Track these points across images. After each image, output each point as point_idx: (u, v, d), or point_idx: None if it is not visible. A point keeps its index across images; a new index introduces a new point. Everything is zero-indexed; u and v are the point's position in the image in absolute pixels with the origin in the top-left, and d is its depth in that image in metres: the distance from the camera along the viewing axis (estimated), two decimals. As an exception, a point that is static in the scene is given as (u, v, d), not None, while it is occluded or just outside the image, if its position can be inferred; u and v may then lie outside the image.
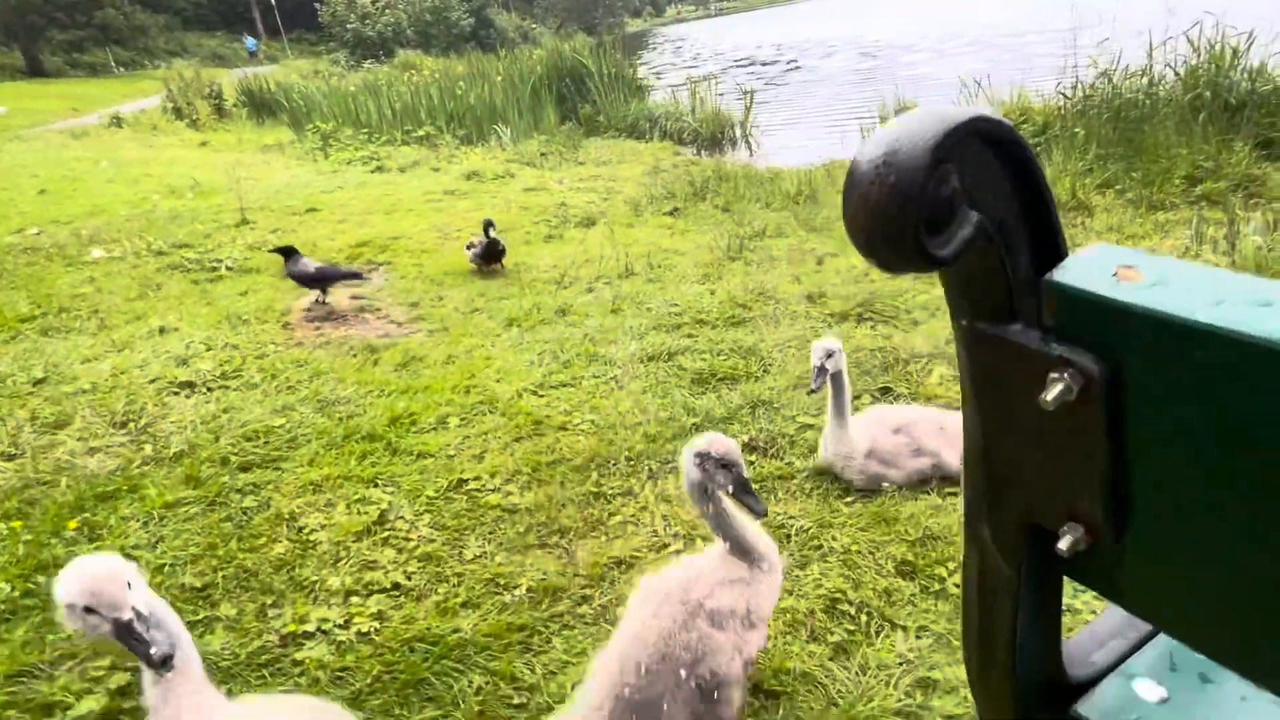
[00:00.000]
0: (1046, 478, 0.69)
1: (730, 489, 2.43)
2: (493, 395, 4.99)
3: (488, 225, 7.77)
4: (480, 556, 3.59)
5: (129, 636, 1.86)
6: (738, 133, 16.29)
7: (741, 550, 2.49)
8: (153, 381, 5.48)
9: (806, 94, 20.96)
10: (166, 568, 3.57)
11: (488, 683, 2.94)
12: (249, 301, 7.30)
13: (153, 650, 1.84)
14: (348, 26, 38.36)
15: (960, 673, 2.77)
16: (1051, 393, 0.61)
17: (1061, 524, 0.69)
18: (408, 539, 3.72)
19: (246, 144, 19.32)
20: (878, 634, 2.99)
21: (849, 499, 3.79)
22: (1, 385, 5.52)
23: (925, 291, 6.20)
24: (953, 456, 3.79)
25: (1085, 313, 0.63)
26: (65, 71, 41.41)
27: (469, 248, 7.92)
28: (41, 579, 3.45)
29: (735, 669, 2.40)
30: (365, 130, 17.06)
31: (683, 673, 2.30)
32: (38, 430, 4.85)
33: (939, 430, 3.79)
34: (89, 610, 1.85)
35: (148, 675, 1.96)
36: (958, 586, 3.17)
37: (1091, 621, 0.95)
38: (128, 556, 2.26)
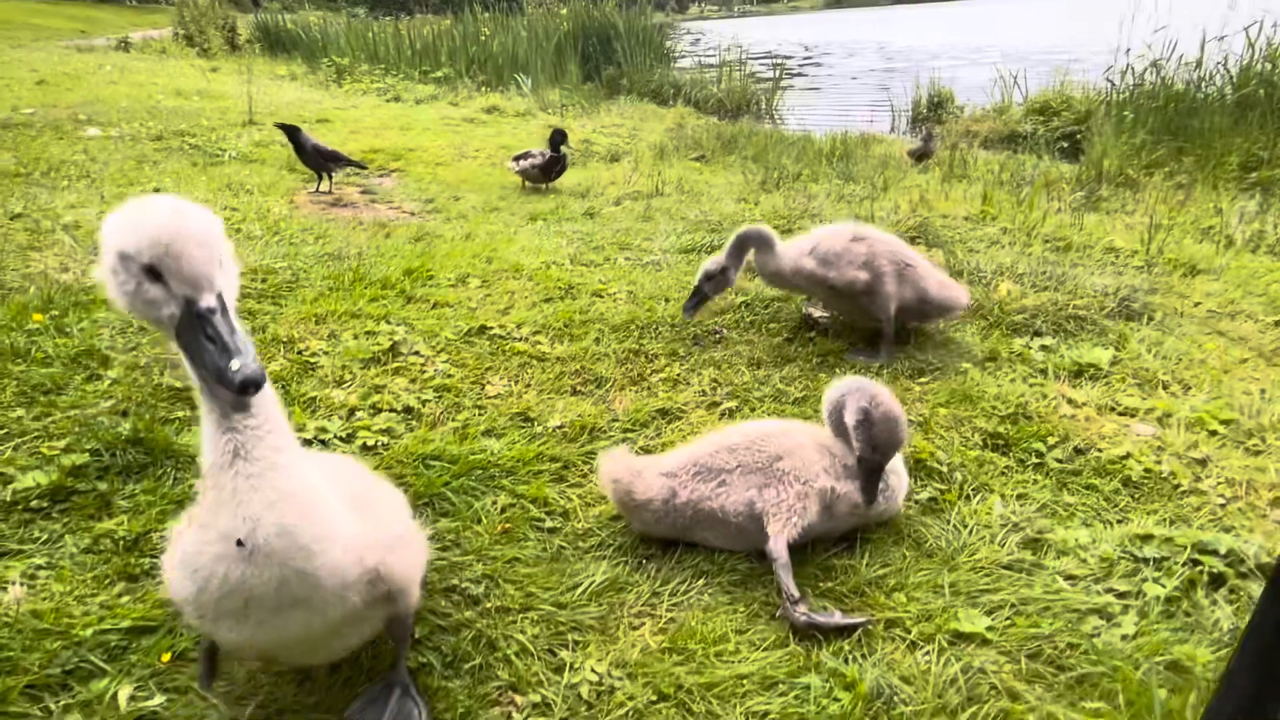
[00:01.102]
0: None
1: (859, 457, 2.27)
2: (517, 264, 4.53)
3: (558, 137, 6.91)
4: (506, 395, 3.14)
5: (203, 332, 1.20)
6: (763, 106, 15.88)
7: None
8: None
9: (830, 85, 20.64)
10: (140, 365, 3.08)
11: (514, 503, 2.49)
12: (251, 178, 6.79)
13: (234, 365, 1.19)
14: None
15: (1075, 535, 2.36)
16: None
17: None
18: (423, 371, 3.26)
19: (258, 73, 18.71)
20: (974, 495, 2.57)
21: (923, 378, 3.37)
22: (-27, 214, 4.99)
23: (977, 228, 5.82)
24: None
25: None
26: (75, -3, 40.40)
27: (521, 158, 7.10)
28: (-4, 363, 2.96)
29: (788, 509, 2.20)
30: (382, 65, 16.52)
31: (752, 461, 2.30)
32: (11, 251, 4.32)
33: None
34: (152, 273, 1.22)
35: (210, 420, 1.31)
36: (1059, 461, 2.76)
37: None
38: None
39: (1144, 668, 1.86)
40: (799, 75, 22.94)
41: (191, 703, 1.75)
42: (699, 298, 3.55)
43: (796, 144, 10.70)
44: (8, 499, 2.30)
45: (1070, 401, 3.16)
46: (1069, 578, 2.21)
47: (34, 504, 2.30)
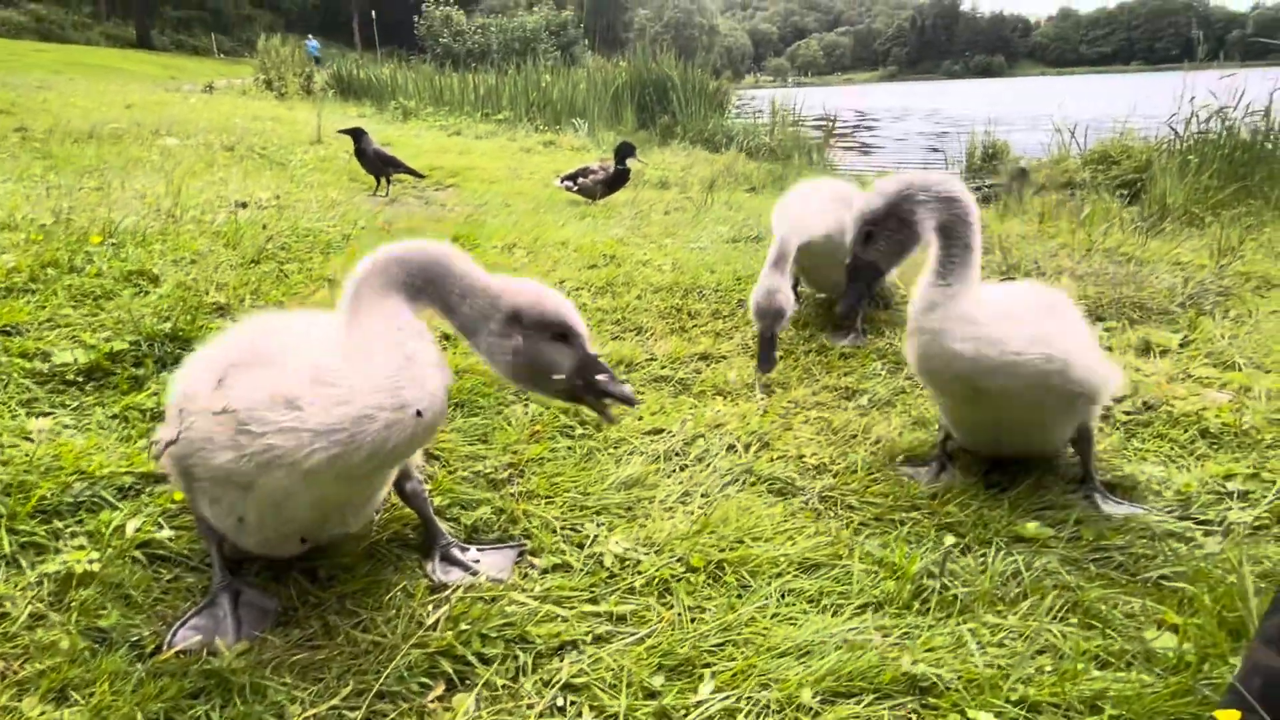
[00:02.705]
0: None
1: None
2: (563, 239, 4.54)
3: (626, 150, 6.71)
4: (543, 333, 3.09)
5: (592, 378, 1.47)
6: (814, 156, 16.01)
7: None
8: (206, 200, 5.14)
9: (882, 142, 20.79)
10: (191, 283, 3.12)
11: (546, 412, 2.40)
12: (313, 176, 7.03)
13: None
14: (440, 40, 39.75)
15: (1149, 470, 2.16)
16: None
17: None
18: (463, 309, 3.24)
19: (329, 112, 19.70)
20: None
21: (977, 343, 3.22)
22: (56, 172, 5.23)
23: (1035, 244, 5.66)
24: None
25: None
26: (170, 49, 43.46)
27: (579, 175, 6.77)
28: (52, 272, 3.02)
29: None
30: (447, 107, 17.21)
31: None
32: (78, 206, 4.49)
33: None
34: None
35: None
36: (1127, 414, 2.57)
37: None
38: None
39: (1232, 576, 1.66)
40: (851, 136, 23.18)
41: (197, 539, 1.68)
42: (769, 343, 2.80)
43: (850, 181, 10.69)
44: (45, 370, 2.30)
45: (1138, 370, 2.97)
46: (1142, 504, 2.02)
47: (70, 377, 2.30)
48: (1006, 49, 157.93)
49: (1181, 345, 3.30)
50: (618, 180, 6.78)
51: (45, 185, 4.87)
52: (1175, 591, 1.63)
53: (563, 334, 1.44)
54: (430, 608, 1.56)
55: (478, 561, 1.69)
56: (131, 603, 1.51)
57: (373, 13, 48.40)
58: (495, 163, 9.89)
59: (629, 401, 1.48)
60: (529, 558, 1.73)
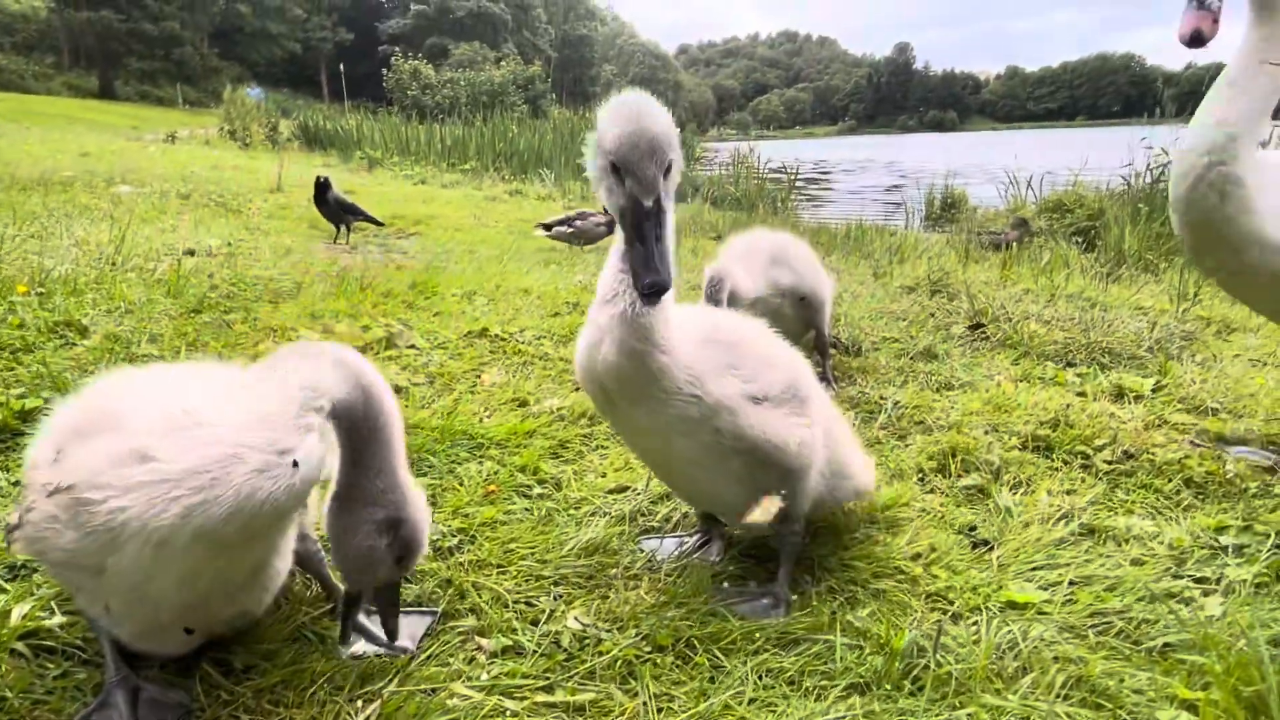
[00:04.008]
0: None
1: None
2: (526, 287, 4.41)
3: None
4: (503, 384, 2.93)
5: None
6: (778, 204, 16.24)
7: None
8: (151, 249, 4.93)
9: (843, 193, 21.21)
10: (123, 334, 2.91)
11: (502, 469, 2.23)
12: (270, 223, 6.85)
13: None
14: (408, 93, 40.05)
15: (1138, 524, 2.06)
16: None
17: None
18: (416, 360, 3.06)
19: (291, 161, 19.57)
20: (1017, 487, 2.29)
21: (951, 390, 3.13)
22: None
23: (999, 289, 5.69)
24: None
25: None
26: (134, 100, 43.16)
27: (580, 219, 6.70)
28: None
29: None
30: (413, 157, 17.20)
31: None
32: (14, 253, 4.26)
33: None
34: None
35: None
36: (1108, 462, 2.48)
37: None
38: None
39: (1241, 642, 1.54)
40: (813, 185, 23.63)
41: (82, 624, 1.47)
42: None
43: (812, 229, 10.81)
44: (-62, 429, 2.08)
45: (1113, 416, 2.90)
46: (1135, 561, 1.90)
47: (-33, 430, 2.08)
48: (958, 105, 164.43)
49: (1154, 390, 3.25)
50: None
51: (-22, 232, 4.63)
52: (1183, 662, 1.50)
53: (402, 559, 1.37)
54: (360, 703, 1.36)
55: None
56: (4, 707, 1.30)
57: (340, 65, 48.80)
58: (460, 211, 9.80)
59: (386, 640, 1.47)
60: (477, 639, 1.55)
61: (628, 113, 1.41)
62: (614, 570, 1.81)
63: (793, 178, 16.92)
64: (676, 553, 1.88)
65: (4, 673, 1.34)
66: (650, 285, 1.36)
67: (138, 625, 1.30)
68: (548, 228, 6.81)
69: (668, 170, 1.43)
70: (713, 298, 2.64)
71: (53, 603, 1.52)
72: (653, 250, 1.37)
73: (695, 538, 1.95)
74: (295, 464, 1.16)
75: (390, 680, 1.42)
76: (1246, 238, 2.21)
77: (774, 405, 1.64)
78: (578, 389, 2.98)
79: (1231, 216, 2.20)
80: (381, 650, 1.51)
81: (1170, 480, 2.36)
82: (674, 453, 1.62)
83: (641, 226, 1.38)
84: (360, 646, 1.52)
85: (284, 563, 1.46)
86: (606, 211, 6.64)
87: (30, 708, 1.31)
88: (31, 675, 1.37)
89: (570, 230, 6.71)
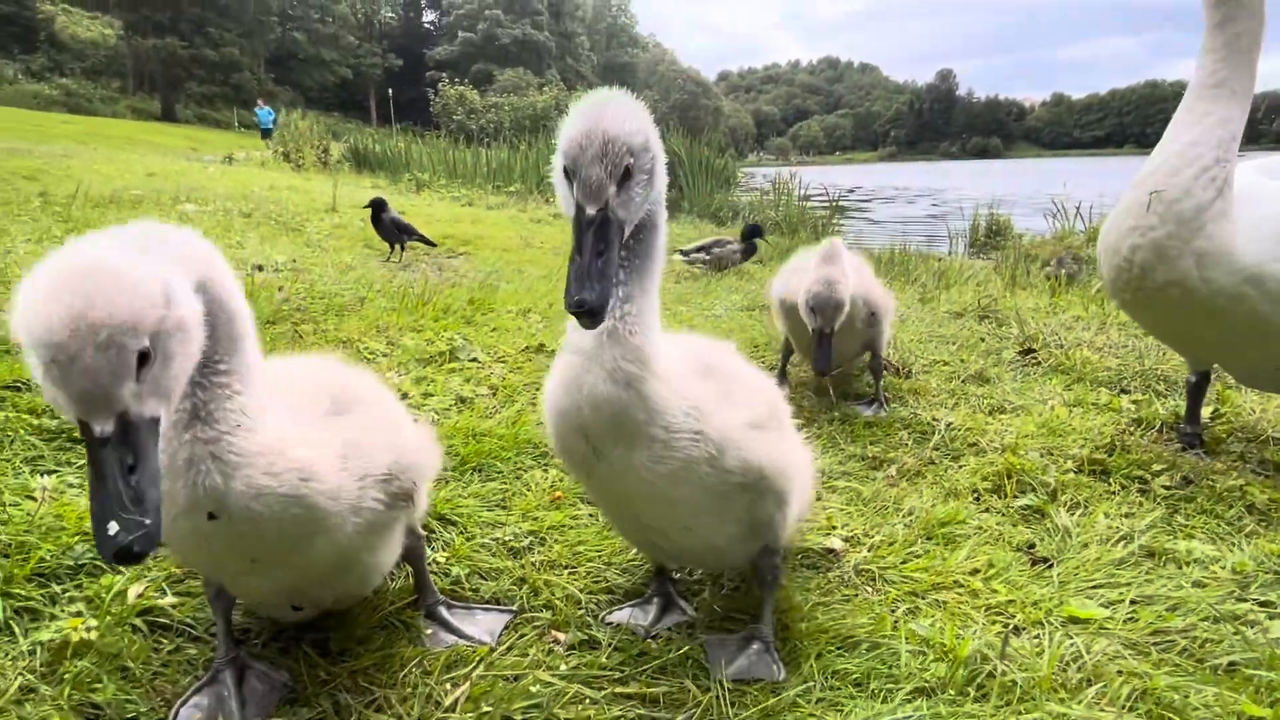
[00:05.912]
0: None
1: None
2: (580, 306, 4.52)
3: (754, 230, 7.14)
4: (561, 397, 3.03)
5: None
6: (819, 229, 16.26)
7: None
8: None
9: (885, 219, 21.14)
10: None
11: (566, 477, 2.32)
12: (329, 243, 7.11)
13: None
14: (454, 118, 41.15)
15: (1200, 548, 2.07)
16: None
17: None
18: (479, 372, 3.18)
19: (343, 182, 20.19)
20: (1075, 509, 2.31)
21: (1004, 414, 3.15)
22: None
23: (1049, 316, 5.65)
24: None
25: None
26: (192, 122, 44.98)
27: (718, 245, 7.07)
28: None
29: None
30: (460, 179, 17.61)
31: None
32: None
33: None
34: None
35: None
36: (1166, 488, 2.48)
37: None
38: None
39: (1309, 663, 1.55)
40: (854, 212, 23.58)
41: (202, 606, 1.58)
42: (828, 340, 2.86)
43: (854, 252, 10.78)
44: (52, 428, 2.24)
45: (1169, 441, 2.89)
46: (1197, 584, 1.91)
47: (77, 434, 2.23)
48: (1002, 131, 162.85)
49: (1212, 417, 3.22)
50: (749, 252, 7.29)
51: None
52: (1250, 679, 1.51)
53: None
54: (448, 686, 1.45)
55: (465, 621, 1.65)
56: (129, 676, 1.41)
57: (389, 90, 50.28)
58: (507, 232, 10.03)
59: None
60: (553, 632, 1.62)
61: (585, 110, 1.23)
62: (684, 577, 1.87)
63: (835, 204, 16.94)
64: (648, 623, 1.65)
65: (127, 645, 1.45)
66: (578, 304, 1.16)
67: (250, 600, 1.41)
68: (686, 254, 7.20)
69: (626, 177, 1.22)
70: (829, 300, 2.76)
71: (164, 584, 1.63)
72: (590, 265, 1.18)
73: (655, 602, 1.71)
74: None
75: (475, 667, 1.50)
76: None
77: (768, 430, 1.50)
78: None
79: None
80: (461, 642, 1.59)
81: (1232, 507, 2.35)
82: (675, 503, 1.43)
83: (581, 237, 1.20)
84: (441, 637, 1.61)
85: (389, 555, 1.55)
86: (743, 238, 6.99)
87: (151, 678, 1.42)
88: (149, 649, 1.48)
89: (708, 257, 7.12)
